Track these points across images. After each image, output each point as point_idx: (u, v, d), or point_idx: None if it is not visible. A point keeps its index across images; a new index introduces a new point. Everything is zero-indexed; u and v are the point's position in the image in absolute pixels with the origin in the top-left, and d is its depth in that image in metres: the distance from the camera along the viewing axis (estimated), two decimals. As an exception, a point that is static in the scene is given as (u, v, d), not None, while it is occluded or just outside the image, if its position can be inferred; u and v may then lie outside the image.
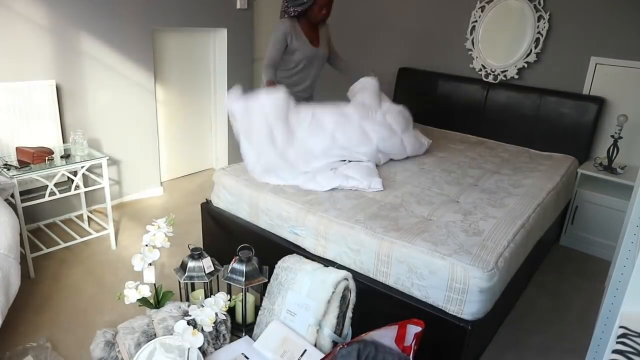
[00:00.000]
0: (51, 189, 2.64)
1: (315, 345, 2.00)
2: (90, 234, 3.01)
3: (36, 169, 2.59)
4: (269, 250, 2.38)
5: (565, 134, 3.42)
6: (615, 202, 3.07)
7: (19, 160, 2.64)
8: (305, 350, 1.96)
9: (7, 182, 2.38)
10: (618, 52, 3.23)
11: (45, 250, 2.77)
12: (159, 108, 3.82)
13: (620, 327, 0.99)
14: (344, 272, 2.05)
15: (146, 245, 2.17)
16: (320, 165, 2.67)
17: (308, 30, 3.04)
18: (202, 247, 2.31)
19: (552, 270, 3.03)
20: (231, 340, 2.09)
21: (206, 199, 2.83)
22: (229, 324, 2.07)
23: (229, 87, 4.12)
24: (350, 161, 2.75)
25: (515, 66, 3.61)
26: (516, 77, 3.64)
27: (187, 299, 2.30)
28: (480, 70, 3.78)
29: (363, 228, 2.12)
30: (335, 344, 2.08)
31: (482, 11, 3.72)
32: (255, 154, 2.61)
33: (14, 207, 2.50)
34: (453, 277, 1.86)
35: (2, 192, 2.37)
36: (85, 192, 3.24)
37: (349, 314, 2.10)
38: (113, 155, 3.46)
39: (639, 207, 1.72)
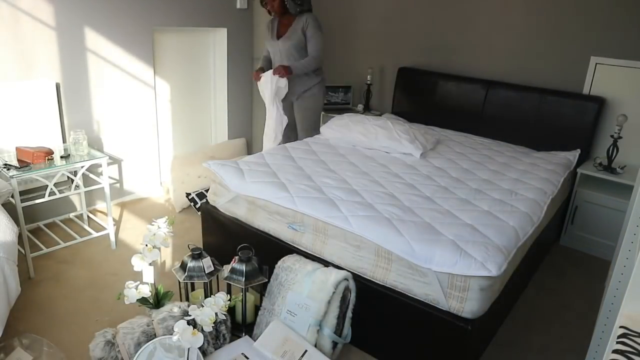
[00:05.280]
0: (51, 188, 2.64)
1: (315, 346, 2.00)
2: (90, 233, 3.01)
3: (36, 168, 2.59)
4: (268, 249, 2.38)
5: (565, 133, 3.41)
6: (615, 202, 3.07)
7: (19, 160, 2.64)
8: (306, 351, 1.96)
9: (2, 188, 2.37)
10: (618, 52, 3.23)
11: (45, 250, 2.77)
12: (159, 108, 3.82)
13: (620, 327, 0.99)
14: (344, 273, 2.05)
15: (146, 245, 2.17)
16: None
17: (281, 24, 3.45)
18: (202, 247, 2.30)
19: (552, 270, 3.03)
20: (231, 340, 2.09)
21: (206, 199, 2.83)
22: (229, 324, 2.07)
23: (229, 87, 4.14)
24: None
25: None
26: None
27: (187, 299, 2.30)
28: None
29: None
30: (335, 343, 2.08)
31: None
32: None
33: (14, 207, 2.51)
34: (454, 274, 1.86)
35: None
36: (85, 192, 3.24)
37: (349, 314, 2.10)
38: (113, 155, 3.46)
39: (639, 207, 1.72)
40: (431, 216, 2.22)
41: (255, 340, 2.06)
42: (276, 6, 3.32)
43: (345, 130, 3.32)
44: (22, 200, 2.58)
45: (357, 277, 2.12)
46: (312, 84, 3.51)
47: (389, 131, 3.18)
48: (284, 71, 3.29)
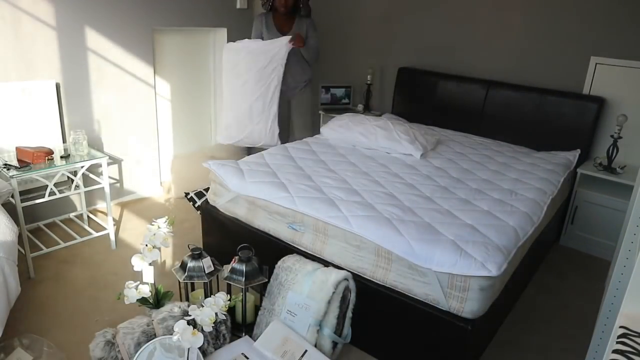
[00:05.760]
0: (51, 188, 2.64)
1: (315, 346, 2.00)
2: (90, 233, 3.01)
3: (36, 168, 2.59)
4: (268, 249, 2.38)
5: (565, 133, 3.41)
6: (615, 202, 3.07)
7: (19, 160, 2.64)
8: (306, 351, 1.96)
9: (1, 188, 2.37)
10: (618, 52, 3.23)
11: (45, 250, 2.77)
12: (160, 108, 3.82)
13: (620, 327, 0.99)
14: (344, 273, 2.05)
15: (146, 245, 2.17)
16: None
17: (281, 22, 3.53)
18: (202, 247, 2.30)
19: (552, 270, 3.03)
20: (231, 340, 2.09)
21: (205, 199, 2.83)
22: (229, 324, 2.07)
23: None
24: None
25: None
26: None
27: (187, 299, 2.30)
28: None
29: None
30: (335, 343, 2.08)
31: None
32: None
33: (14, 207, 2.51)
34: (454, 274, 1.86)
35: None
36: (85, 192, 3.24)
37: (349, 314, 2.10)
38: (113, 155, 3.46)
39: (639, 207, 1.72)
40: (431, 216, 2.22)
41: (255, 340, 2.06)
42: (290, 3, 3.43)
43: (345, 131, 3.32)
44: (22, 200, 2.58)
45: (357, 277, 2.12)
46: (308, 80, 3.69)
47: (389, 132, 3.18)
48: (301, 41, 3.40)
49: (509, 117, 3.64)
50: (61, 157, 2.78)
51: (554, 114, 3.44)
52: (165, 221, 2.27)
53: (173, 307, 2.02)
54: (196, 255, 2.20)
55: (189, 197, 3.54)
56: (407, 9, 4.15)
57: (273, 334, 2.02)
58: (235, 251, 2.23)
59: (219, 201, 2.67)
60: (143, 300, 2.16)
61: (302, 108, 3.77)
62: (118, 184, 3.58)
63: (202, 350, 1.91)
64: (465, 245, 1.95)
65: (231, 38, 4.02)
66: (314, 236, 2.29)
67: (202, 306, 1.99)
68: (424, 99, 4.05)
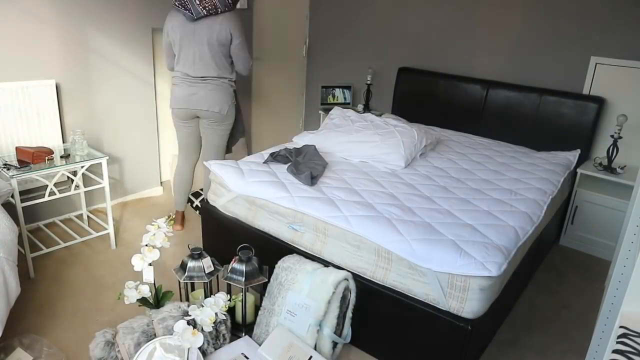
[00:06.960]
0: (51, 188, 2.64)
1: (315, 347, 2.01)
2: (90, 233, 3.01)
3: (36, 168, 2.59)
4: (268, 250, 2.38)
5: (565, 133, 3.42)
6: (615, 202, 3.07)
7: (18, 160, 2.64)
8: (311, 357, 1.96)
9: (1, 188, 2.38)
10: (618, 52, 3.23)
11: (45, 250, 2.77)
12: (160, 107, 3.81)
13: (620, 327, 0.99)
14: (344, 273, 2.05)
15: (146, 245, 2.17)
16: None
17: None
18: (202, 247, 2.30)
19: (552, 270, 3.03)
20: (231, 340, 2.09)
21: (205, 199, 2.83)
22: (229, 324, 2.07)
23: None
24: None
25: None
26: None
27: (187, 299, 2.30)
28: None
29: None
30: (335, 343, 2.08)
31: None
32: None
33: (14, 207, 2.51)
34: (454, 274, 1.86)
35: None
36: (85, 192, 3.24)
37: (349, 314, 2.10)
38: (113, 155, 3.46)
39: (639, 207, 1.72)
40: (431, 216, 2.22)
41: (255, 340, 2.06)
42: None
43: (326, 145, 3.13)
44: (22, 200, 2.58)
45: (357, 277, 2.12)
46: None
47: (369, 146, 2.99)
48: None
49: (509, 117, 3.64)
50: (61, 157, 2.78)
51: (554, 114, 3.44)
52: (165, 221, 2.27)
53: (173, 307, 2.02)
54: (196, 255, 2.20)
55: None
56: (407, 9, 4.15)
57: (277, 339, 2.02)
58: (235, 251, 2.23)
59: (219, 201, 2.67)
60: (143, 300, 2.16)
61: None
62: (118, 184, 3.58)
63: (202, 350, 1.91)
64: (465, 245, 1.95)
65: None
66: (314, 236, 2.29)
67: (202, 306, 1.99)
68: (424, 99, 4.05)
